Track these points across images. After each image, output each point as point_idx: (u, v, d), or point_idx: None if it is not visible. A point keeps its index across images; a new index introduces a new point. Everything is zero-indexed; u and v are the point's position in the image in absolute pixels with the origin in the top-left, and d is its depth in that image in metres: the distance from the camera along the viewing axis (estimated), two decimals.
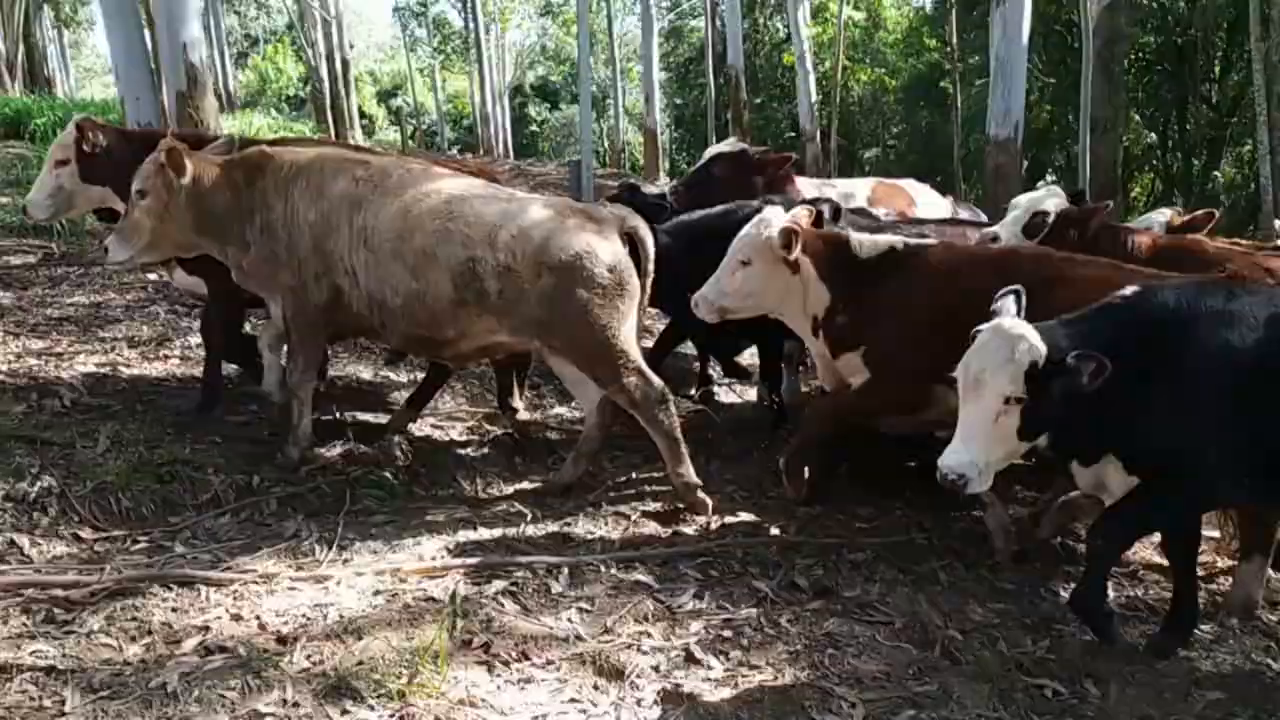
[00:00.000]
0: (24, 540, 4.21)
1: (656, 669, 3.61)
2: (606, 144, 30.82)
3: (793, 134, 23.77)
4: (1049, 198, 5.82)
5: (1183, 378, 3.55)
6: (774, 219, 4.89)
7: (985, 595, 4.36)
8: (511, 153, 31.92)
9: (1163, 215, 6.70)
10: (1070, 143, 19.36)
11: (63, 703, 3.16)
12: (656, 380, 4.90)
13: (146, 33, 8.67)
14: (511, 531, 4.70)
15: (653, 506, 5.08)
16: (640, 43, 24.66)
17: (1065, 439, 3.70)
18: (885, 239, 4.93)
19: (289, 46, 36.66)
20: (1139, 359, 3.51)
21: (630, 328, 4.92)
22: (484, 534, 4.67)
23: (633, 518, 4.94)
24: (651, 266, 5.02)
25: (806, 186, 7.38)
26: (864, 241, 4.89)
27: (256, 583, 3.98)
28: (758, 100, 23.79)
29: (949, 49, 20.66)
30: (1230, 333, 3.55)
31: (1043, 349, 3.44)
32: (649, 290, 5.05)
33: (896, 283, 4.73)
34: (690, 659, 3.70)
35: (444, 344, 5.08)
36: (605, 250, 4.82)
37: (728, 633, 3.90)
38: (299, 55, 32.29)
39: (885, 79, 24.39)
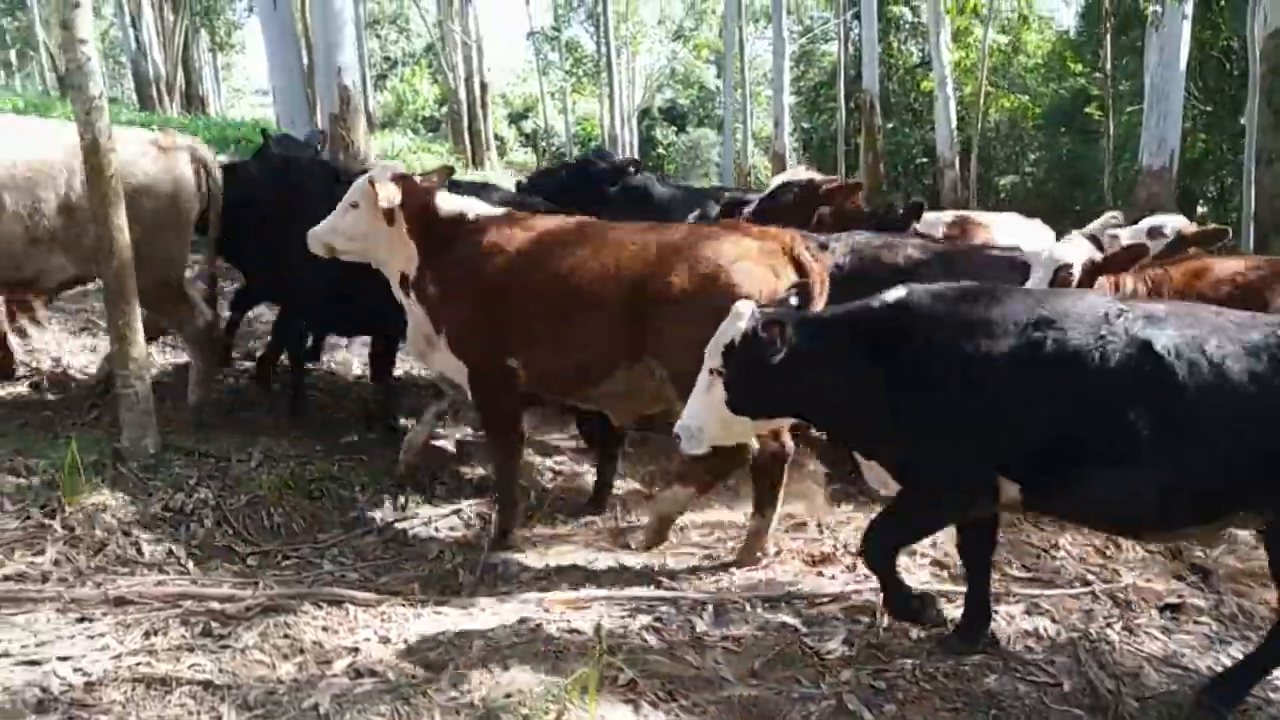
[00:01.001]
0: (181, 551, 4.33)
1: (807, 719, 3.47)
2: (733, 168, 30.74)
3: (924, 159, 23.27)
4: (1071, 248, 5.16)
5: (916, 378, 3.44)
6: (389, 166, 4.83)
7: (1160, 659, 4.07)
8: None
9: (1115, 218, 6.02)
10: (1224, 173, 18.44)
11: (219, 718, 3.19)
12: None
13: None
14: (654, 563, 4.61)
15: (796, 543, 4.93)
16: (770, 66, 24.54)
17: (764, 410, 3.74)
18: (463, 202, 4.82)
19: (425, 69, 37.70)
20: (877, 354, 3.49)
21: None
22: (626, 564, 4.60)
23: (776, 554, 4.80)
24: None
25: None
26: (444, 202, 4.76)
27: (404, 605, 3.98)
28: (889, 125, 23.35)
29: (1100, 74, 19.92)
30: (977, 338, 3.40)
31: (745, 326, 3.52)
32: None
33: (460, 254, 4.61)
34: (842, 709, 3.54)
35: None
36: None
37: (880, 684, 3.71)
38: (434, 77, 33.17)
39: (1028, 105, 23.66)
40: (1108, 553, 4.81)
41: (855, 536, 4.88)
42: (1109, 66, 19.43)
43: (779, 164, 21.56)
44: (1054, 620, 4.27)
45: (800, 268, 4.44)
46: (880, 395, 3.50)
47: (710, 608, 4.16)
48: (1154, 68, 10.49)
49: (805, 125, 31.04)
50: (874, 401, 3.51)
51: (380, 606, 3.94)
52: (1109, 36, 19.12)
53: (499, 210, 4.84)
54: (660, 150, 40.18)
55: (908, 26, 25.91)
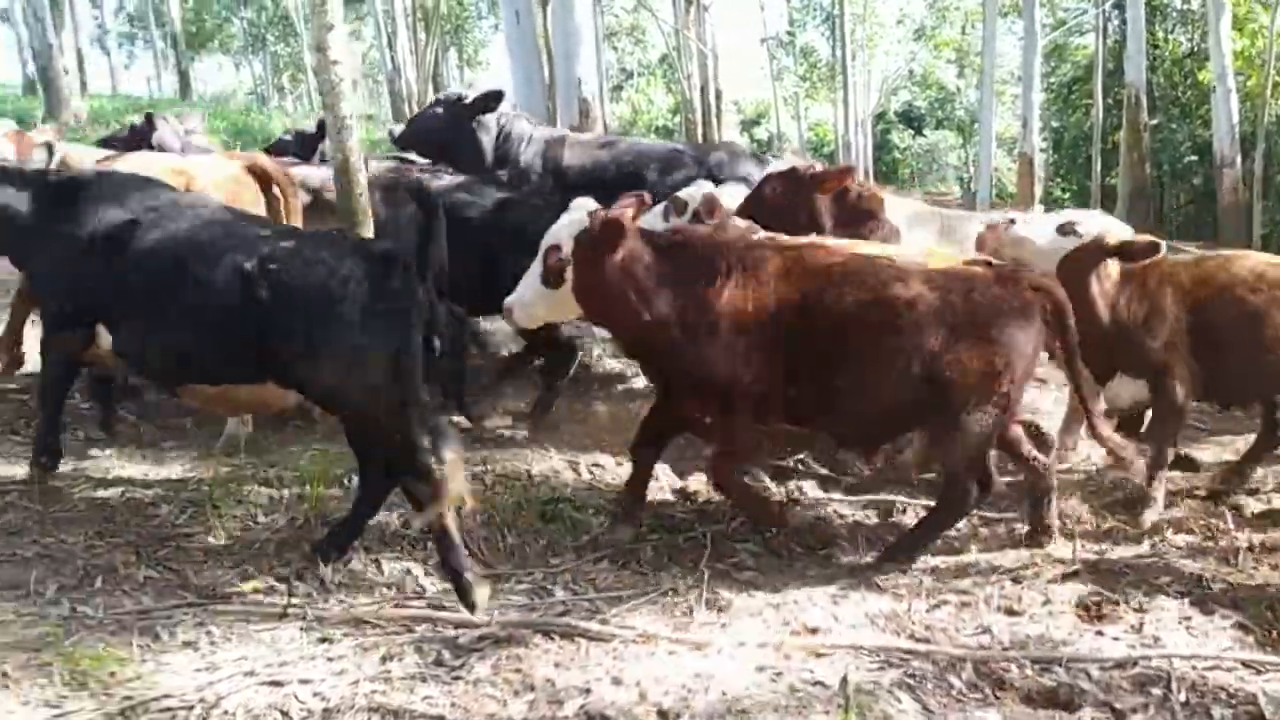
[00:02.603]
0: (419, 570, 4.30)
1: None
2: (972, 171, 29.33)
3: (1194, 157, 21.30)
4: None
5: None
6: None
7: None
8: (871, 179, 31.21)
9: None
10: None
11: None
12: None
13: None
14: (901, 608, 4.21)
15: (1067, 592, 4.40)
16: (1021, 62, 23.15)
17: None
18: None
19: (660, 79, 38.12)
20: None
21: None
22: (871, 606, 4.22)
23: (1044, 603, 4.29)
24: None
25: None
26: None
27: (636, 642, 3.78)
28: (1153, 121, 21.54)
29: None
30: None
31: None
32: None
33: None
34: None
35: None
36: None
37: None
38: (669, 87, 33.47)
39: None
40: None
41: (1139, 589, 4.33)
42: None
43: (1026, 166, 20.32)
44: None
45: None
46: None
47: (969, 665, 3.73)
48: None
49: (1055, 124, 29.22)
50: None
51: (612, 642, 3.76)
52: None
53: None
54: (896, 155, 38.99)
55: (1175, 14, 23.88)
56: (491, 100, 6.76)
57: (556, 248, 4.38)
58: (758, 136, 40.92)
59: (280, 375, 4.14)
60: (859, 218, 5.77)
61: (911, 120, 40.46)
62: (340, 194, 4.78)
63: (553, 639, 3.76)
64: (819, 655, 3.75)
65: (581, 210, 4.43)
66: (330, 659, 3.54)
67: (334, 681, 3.38)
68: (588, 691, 3.43)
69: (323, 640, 3.66)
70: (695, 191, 5.78)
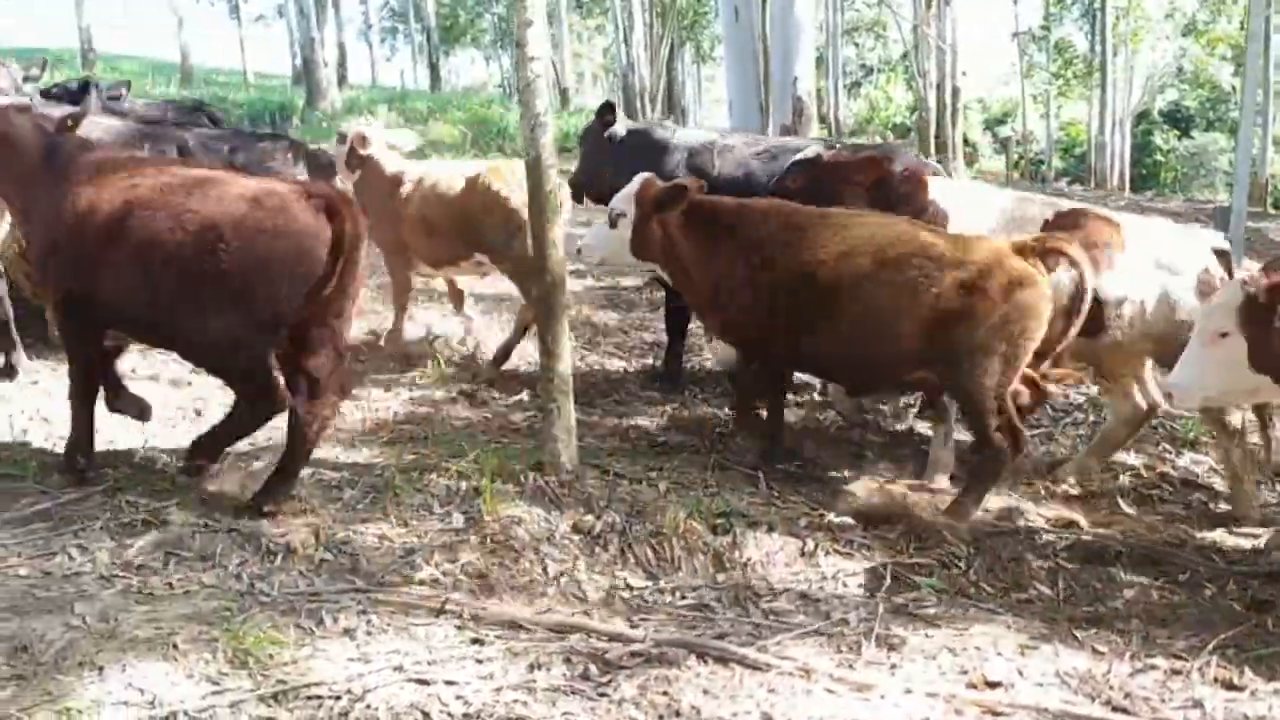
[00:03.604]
0: (582, 575, 4.24)
1: None
2: (1245, 176, 26.67)
3: None
4: None
5: None
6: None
7: None
8: (1127, 184, 29.04)
9: None
10: None
11: None
12: None
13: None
14: (1099, 668, 3.77)
15: None
16: None
17: None
18: None
19: (900, 75, 36.97)
20: None
21: None
22: (1064, 663, 3.80)
23: (1275, 684, 3.74)
24: None
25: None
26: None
27: (795, 675, 3.56)
28: None
29: None
30: None
31: None
32: None
33: None
34: None
35: None
36: None
37: None
38: (909, 83, 32.39)
39: None
40: None
41: None
42: None
43: None
44: None
45: None
46: None
47: None
48: None
49: None
50: None
51: (769, 673, 3.55)
52: None
53: None
54: (1158, 157, 36.14)
55: None
56: (606, 113, 6.71)
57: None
58: (1002, 135, 39.00)
59: None
60: (898, 201, 5.57)
61: (1178, 121, 37.41)
62: (530, 192, 4.77)
63: (706, 662, 3.58)
64: (995, 715, 3.41)
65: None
66: (479, 660, 3.51)
67: (478, 685, 3.35)
68: None
69: (475, 641, 3.64)
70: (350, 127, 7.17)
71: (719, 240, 5.19)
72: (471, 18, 40.60)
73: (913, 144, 22.59)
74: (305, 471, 4.77)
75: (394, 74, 46.11)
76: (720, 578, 4.33)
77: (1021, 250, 4.84)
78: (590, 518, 4.54)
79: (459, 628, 3.73)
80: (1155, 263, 5.24)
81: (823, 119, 32.56)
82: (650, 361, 7.33)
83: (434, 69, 34.19)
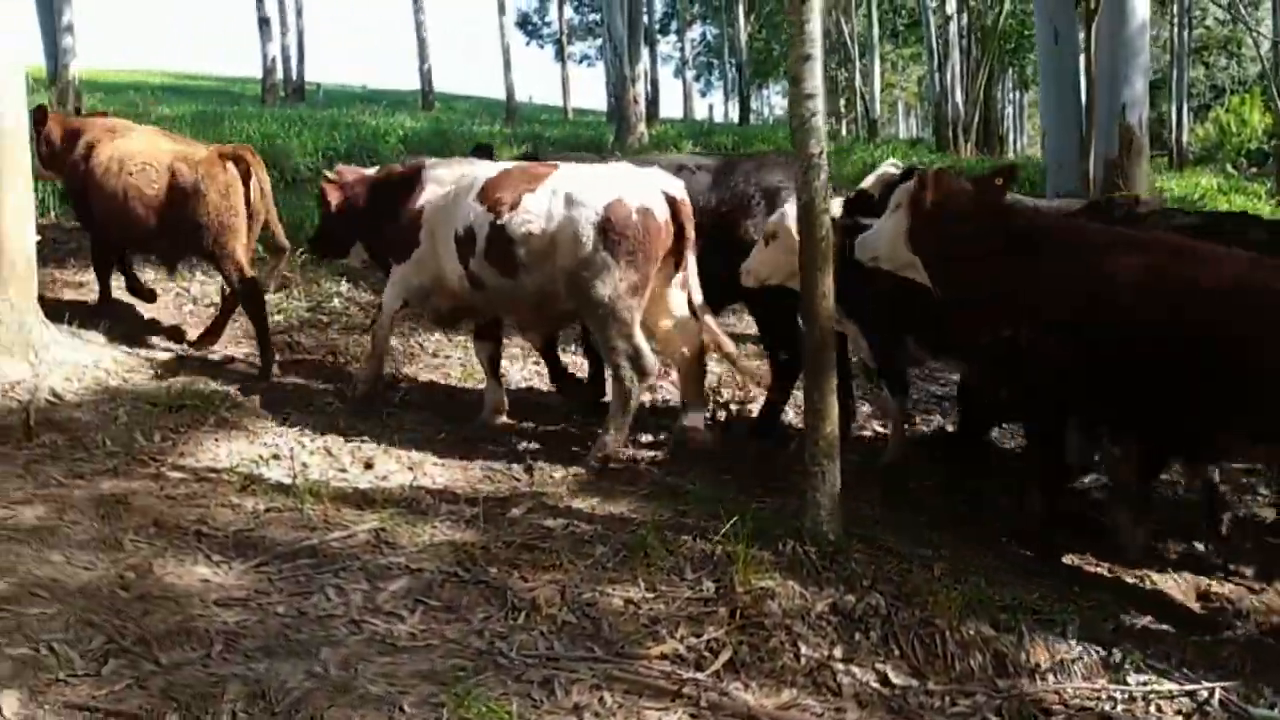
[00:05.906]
0: (837, 665, 3.80)
1: None
2: None
3: None
4: None
5: None
6: None
7: None
8: None
9: None
10: None
11: None
12: None
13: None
14: None
15: None
16: None
17: None
18: None
19: (1258, 96, 33.09)
20: None
21: None
22: None
23: None
24: None
25: None
26: None
27: None
28: None
29: None
30: None
31: None
32: None
33: None
34: None
35: None
36: None
37: None
38: (1267, 105, 28.87)
39: None
40: None
41: None
42: None
43: None
44: None
45: None
46: None
47: None
48: None
49: None
50: None
51: None
52: None
53: None
54: None
55: None
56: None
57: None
58: None
59: None
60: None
61: None
62: (803, 237, 4.42)
63: None
64: None
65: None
66: None
67: None
68: None
69: None
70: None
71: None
72: (783, 51, 40.75)
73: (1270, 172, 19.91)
74: (558, 523, 4.66)
75: (708, 109, 47.18)
76: (1001, 684, 3.74)
77: None
78: (851, 598, 4.09)
79: (693, 716, 3.42)
80: None
81: (1168, 148, 29.71)
82: (938, 421, 6.74)
83: (744, 102, 34.55)
